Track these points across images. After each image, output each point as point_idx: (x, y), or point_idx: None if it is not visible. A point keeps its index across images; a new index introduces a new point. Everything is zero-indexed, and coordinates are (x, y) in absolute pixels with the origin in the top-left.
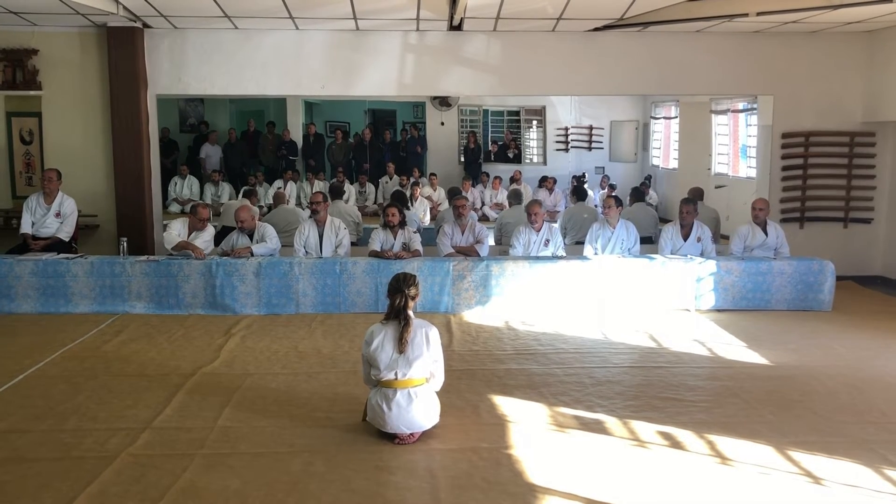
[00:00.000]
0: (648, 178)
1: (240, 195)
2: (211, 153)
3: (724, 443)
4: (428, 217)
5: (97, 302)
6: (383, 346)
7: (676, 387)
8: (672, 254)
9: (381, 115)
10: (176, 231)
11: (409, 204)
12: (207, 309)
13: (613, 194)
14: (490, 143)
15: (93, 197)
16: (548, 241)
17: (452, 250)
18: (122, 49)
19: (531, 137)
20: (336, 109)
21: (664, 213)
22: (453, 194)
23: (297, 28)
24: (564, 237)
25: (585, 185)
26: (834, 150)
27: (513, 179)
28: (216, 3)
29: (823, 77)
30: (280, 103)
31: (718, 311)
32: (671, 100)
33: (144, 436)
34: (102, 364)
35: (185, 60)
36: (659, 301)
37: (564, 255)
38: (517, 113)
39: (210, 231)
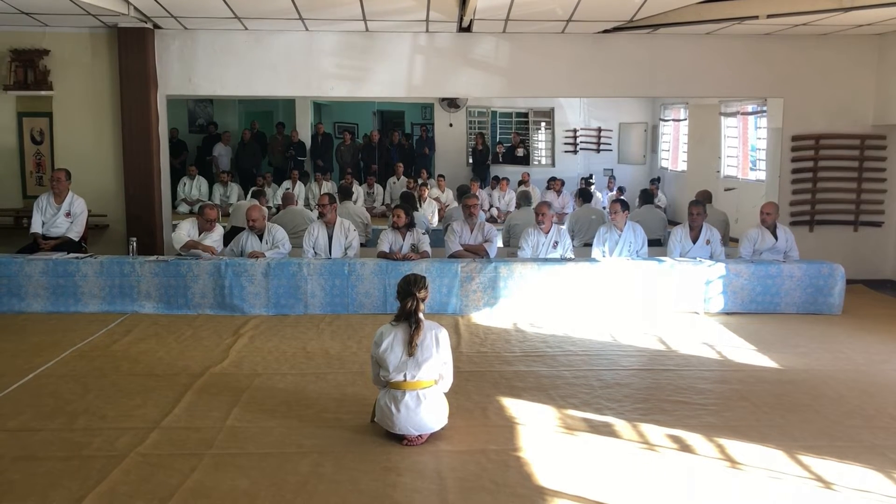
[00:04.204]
0: (657, 179)
1: (248, 195)
2: (223, 153)
3: (734, 446)
4: (436, 218)
5: (106, 301)
6: (393, 347)
7: (685, 390)
8: (681, 256)
9: (390, 117)
10: (185, 231)
11: (418, 205)
12: (216, 309)
13: (620, 198)
14: (497, 144)
15: (102, 197)
16: (556, 242)
17: (460, 248)
18: (132, 50)
19: (539, 139)
20: (345, 110)
21: (673, 215)
22: (463, 193)
23: (307, 29)
24: (572, 239)
25: (593, 188)
26: (844, 153)
27: (521, 181)
28: (226, 4)
29: (834, 80)
30: (289, 104)
31: (727, 314)
32: (680, 102)
33: (153, 435)
34: (112, 363)
35: (195, 61)
36: (668, 304)
37: (573, 256)
38: (525, 114)
39: (219, 231)
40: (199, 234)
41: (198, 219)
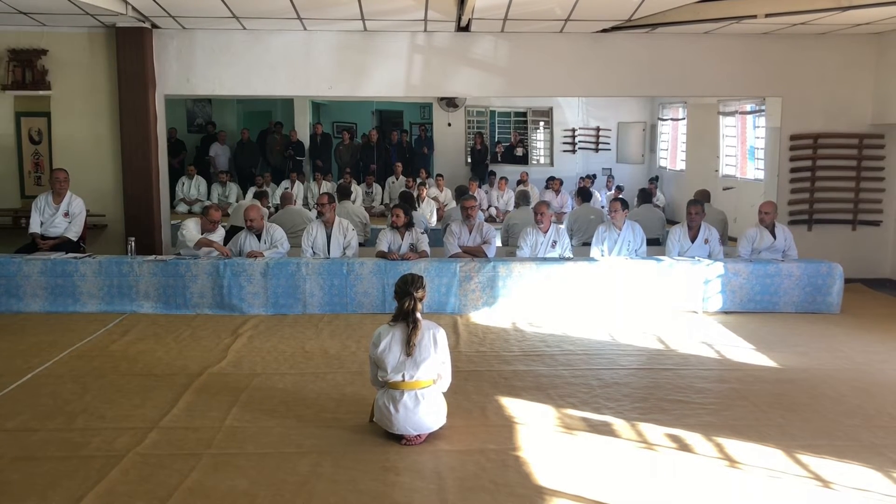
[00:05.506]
0: (655, 179)
1: (248, 195)
2: (220, 153)
3: (733, 445)
4: (435, 218)
5: (105, 301)
6: (391, 348)
7: (684, 389)
8: (679, 255)
9: (388, 116)
10: (194, 230)
11: (417, 205)
12: (215, 309)
13: (619, 197)
14: (496, 144)
15: (101, 197)
16: (555, 242)
17: (459, 250)
18: (130, 49)
19: (538, 139)
20: (343, 110)
21: (671, 214)
22: (461, 193)
23: (306, 29)
24: (571, 238)
25: (591, 188)
26: (843, 152)
27: (520, 181)
28: (225, 4)
29: (832, 79)
30: (287, 104)
31: (726, 313)
32: (679, 101)
33: (152, 435)
34: (110, 363)
35: (193, 61)
36: (666, 303)
37: (572, 256)
38: (524, 114)
39: (220, 233)
40: (202, 234)
41: (201, 219)
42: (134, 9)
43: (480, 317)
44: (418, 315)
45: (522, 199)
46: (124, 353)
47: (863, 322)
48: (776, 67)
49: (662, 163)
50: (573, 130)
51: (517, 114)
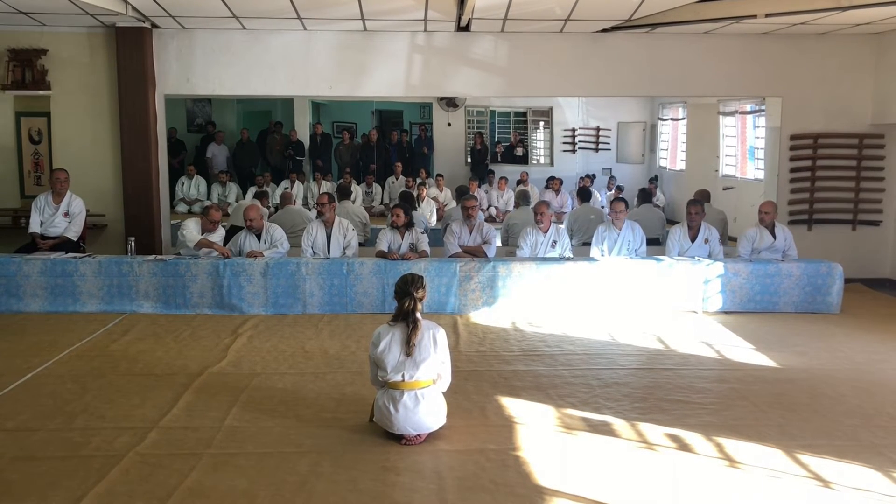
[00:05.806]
0: (655, 178)
1: (248, 195)
2: (217, 153)
3: (733, 445)
4: (435, 218)
5: (105, 301)
6: (391, 348)
7: (684, 389)
8: (679, 255)
9: (388, 116)
10: (195, 230)
11: (417, 205)
12: (215, 309)
13: (621, 197)
14: (496, 144)
15: (101, 197)
16: (555, 242)
17: (459, 250)
18: (130, 49)
19: (538, 138)
20: (343, 110)
21: (671, 214)
22: (461, 193)
23: (305, 29)
24: (571, 238)
25: (591, 187)
26: (843, 152)
27: (519, 181)
28: (224, 3)
29: (832, 79)
30: (287, 104)
31: (726, 313)
32: (679, 101)
33: (152, 435)
34: (110, 363)
35: (193, 61)
36: (666, 303)
37: (572, 256)
38: (524, 114)
39: (220, 233)
40: (202, 234)
41: (202, 219)
42: (134, 9)
43: (480, 317)
44: (418, 315)
45: (522, 198)
46: (124, 352)
47: (863, 322)
48: (776, 67)
49: (662, 163)
50: (573, 130)
51: (517, 114)
